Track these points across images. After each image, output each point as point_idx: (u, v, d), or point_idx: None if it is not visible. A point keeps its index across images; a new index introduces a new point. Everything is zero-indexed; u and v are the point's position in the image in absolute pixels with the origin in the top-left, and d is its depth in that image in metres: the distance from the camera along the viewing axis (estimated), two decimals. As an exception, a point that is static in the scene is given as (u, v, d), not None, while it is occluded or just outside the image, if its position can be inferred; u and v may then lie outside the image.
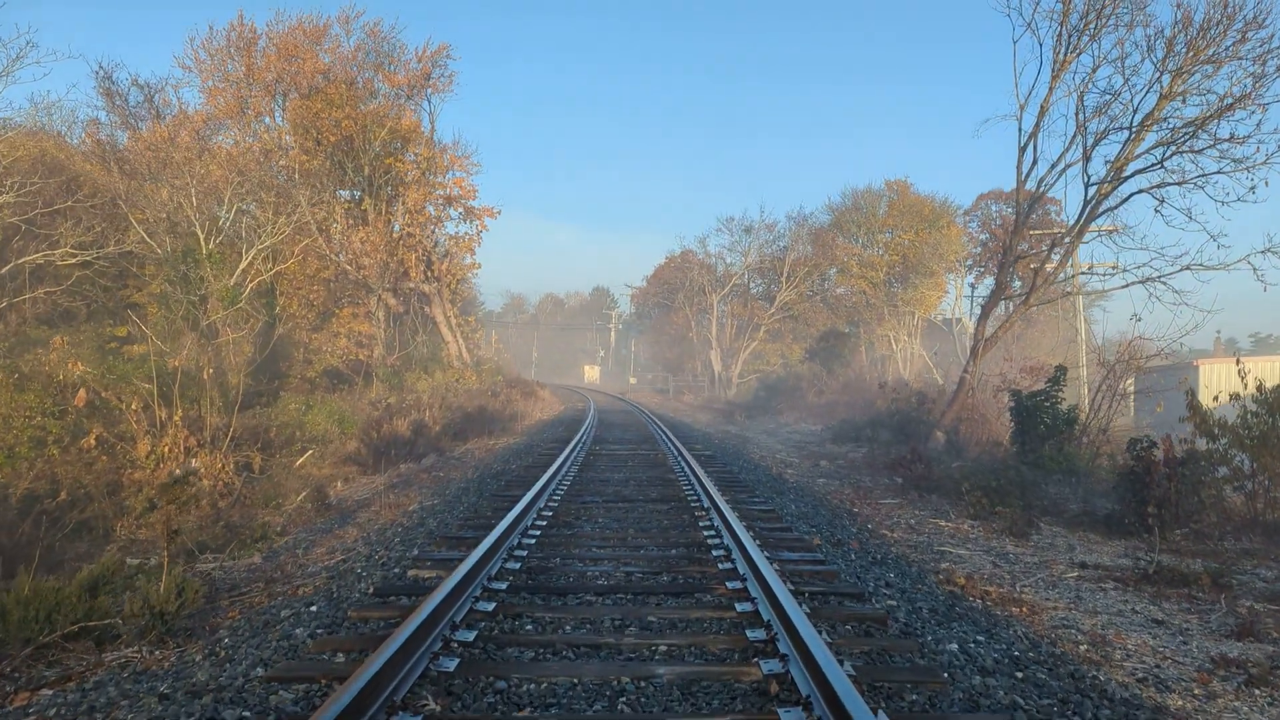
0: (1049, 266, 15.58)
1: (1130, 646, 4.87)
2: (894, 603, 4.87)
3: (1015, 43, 14.72)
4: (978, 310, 29.08)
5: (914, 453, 12.25)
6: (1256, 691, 4.21)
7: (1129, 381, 14.57)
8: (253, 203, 22.80)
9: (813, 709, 3.06)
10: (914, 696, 3.36)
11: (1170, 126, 13.20)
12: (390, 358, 26.58)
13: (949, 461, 13.01)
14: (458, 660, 3.58)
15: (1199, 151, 12.85)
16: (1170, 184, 13.26)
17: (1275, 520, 8.31)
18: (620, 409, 29.91)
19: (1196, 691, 4.18)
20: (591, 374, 72.00)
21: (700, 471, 9.52)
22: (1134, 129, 13.44)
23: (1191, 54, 12.63)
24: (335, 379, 23.96)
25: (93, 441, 11.98)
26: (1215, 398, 9.98)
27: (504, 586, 4.85)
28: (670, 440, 14.60)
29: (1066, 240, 15.29)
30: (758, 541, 6.08)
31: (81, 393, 12.93)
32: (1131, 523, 8.46)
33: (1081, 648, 4.70)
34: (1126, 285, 14.27)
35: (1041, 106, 14.39)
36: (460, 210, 31.10)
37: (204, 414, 12.29)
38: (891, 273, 39.53)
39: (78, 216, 18.99)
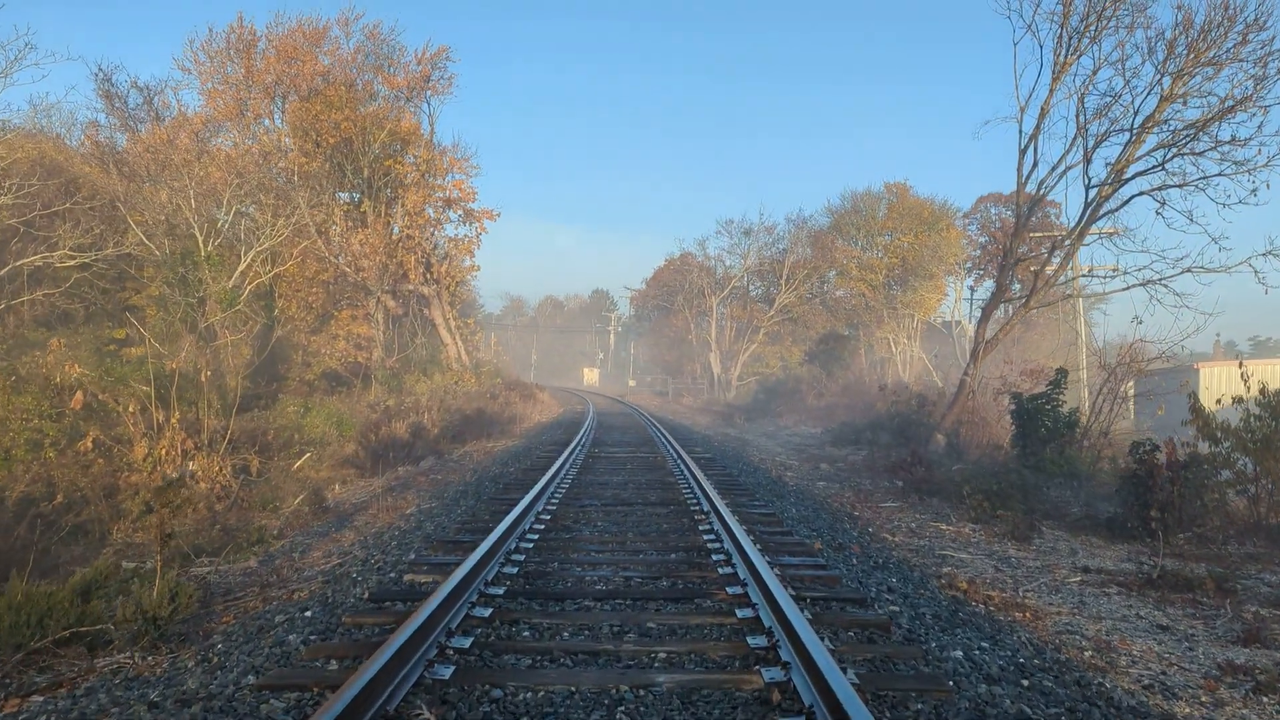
0: (1049, 269, 15.53)
1: (1135, 653, 4.81)
2: (896, 608, 4.81)
3: (1015, 45, 14.66)
4: (977, 313, 29.05)
5: (914, 456, 12.20)
6: (1265, 699, 4.15)
7: (1129, 384, 14.51)
8: (251, 205, 22.75)
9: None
10: (919, 706, 3.29)
11: (1171, 129, 13.18)
12: (389, 360, 26.52)
13: (949, 464, 12.96)
14: (453, 668, 3.51)
15: (1200, 154, 12.83)
16: (1171, 186, 13.24)
17: (1279, 524, 8.25)
18: (619, 411, 29.85)
19: (1204, 699, 4.12)
20: (591, 376, 71.91)
21: (699, 474, 9.46)
22: (1135, 131, 13.42)
23: (1192, 56, 12.60)
24: (334, 381, 23.89)
25: (89, 444, 11.92)
26: (1218, 400, 9.93)
27: (501, 592, 4.79)
28: (669, 443, 14.54)
29: (1067, 243, 15.25)
30: (758, 546, 6.01)
31: (78, 395, 12.88)
32: (1134, 526, 8.40)
33: (1086, 654, 4.64)
34: (1128, 288, 14.24)
35: (1042, 108, 14.37)
36: (459, 212, 31.08)
37: (202, 416, 12.23)
38: (891, 275, 39.51)
39: (76, 218, 18.93)
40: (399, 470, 13.65)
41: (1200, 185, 12.90)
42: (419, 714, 3.08)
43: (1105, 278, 16.20)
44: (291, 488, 12.42)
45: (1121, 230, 14.63)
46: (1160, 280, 13.66)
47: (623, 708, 3.24)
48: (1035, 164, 14.74)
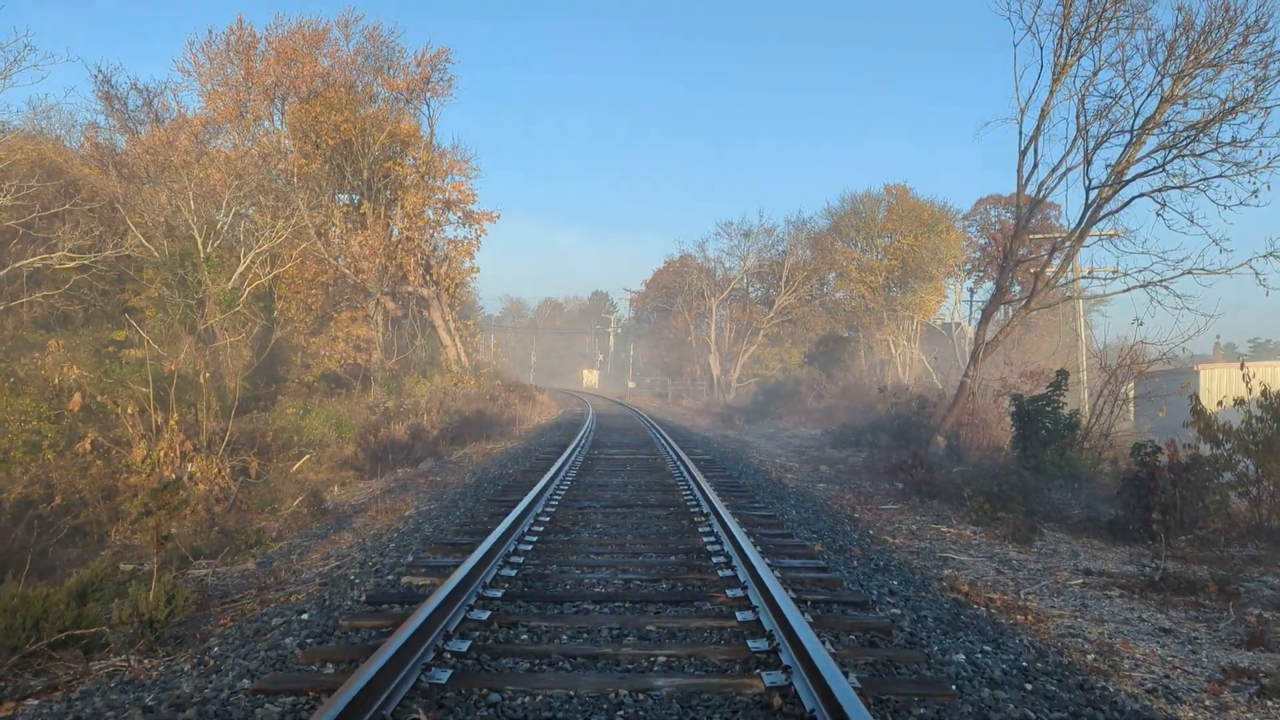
0: (1049, 271, 15.51)
1: (1139, 656, 4.78)
2: (898, 611, 4.77)
3: (1016, 46, 14.63)
4: (977, 315, 29.02)
5: (914, 458, 12.16)
6: (1269, 703, 4.12)
7: (1129, 386, 14.48)
8: (251, 206, 22.73)
9: (817, 723, 2.96)
10: (922, 710, 3.26)
11: (1171, 130, 13.16)
12: (388, 362, 26.48)
13: (949, 466, 12.92)
14: (450, 671, 3.47)
15: (1200, 155, 12.80)
16: (1172, 187, 13.21)
17: (1281, 526, 8.22)
18: (618, 413, 29.82)
19: (1208, 703, 4.09)
20: (590, 378, 71.88)
21: (699, 476, 9.43)
22: (1135, 132, 13.40)
23: (1193, 57, 12.59)
24: (333, 383, 23.86)
25: (88, 446, 11.89)
26: (1220, 402, 9.90)
27: (499, 594, 4.75)
28: (669, 444, 14.51)
29: (1067, 244, 15.23)
30: (758, 548, 5.98)
31: (77, 397, 12.85)
32: (1136, 529, 8.37)
33: (1089, 657, 4.61)
34: (1128, 289, 14.22)
35: (1042, 110, 14.35)
36: (459, 214, 31.07)
37: (201, 418, 12.20)
38: (890, 277, 39.50)
39: (75, 220, 18.91)
40: (398, 472, 13.62)
41: (1201, 187, 12.88)
42: (416, 718, 3.05)
43: (1105, 279, 16.19)
44: (290, 489, 12.39)
45: (1122, 232, 14.61)
46: (1161, 282, 13.65)
47: (622, 712, 3.21)
48: (1035, 165, 14.73)
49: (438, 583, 4.80)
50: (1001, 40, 19.68)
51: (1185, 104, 12.98)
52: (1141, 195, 13.71)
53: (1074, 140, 14.15)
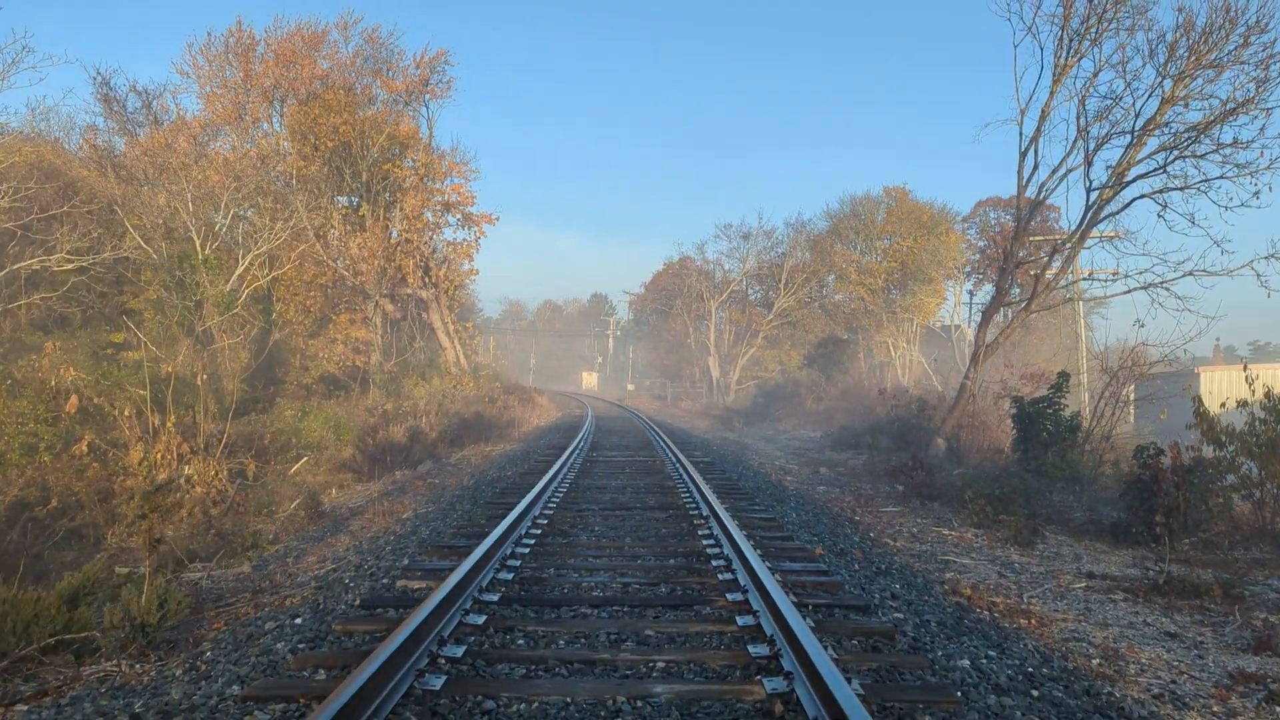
0: (1050, 273, 15.46)
1: (1144, 660, 4.72)
2: (901, 615, 4.70)
3: (1016, 47, 14.58)
4: (976, 317, 28.99)
5: (915, 460, 12.10)
6: (1278, 709, 4.05)
7: (1130, 388, 14.43)
8: (250, 208, 22.68)
9: (819, 731, 2.89)
10: (927, 718, 3.19)
11: (1172, 131, 13.11)
12: (387, 364, 26.42)
13: (950, 469, 12.86)
14: (444, 678, 3.40)
15: (1202, 156, 12.75)
16: (1173, 189, 13.16)
17: (1285, 529, 8.16)
18: (618, 415, 29.75)
19: (1215, 709, 4.02)
20: (589, 380, 71.81)
21: (699, 478, 9.36)
22: (1136, 134, 13.35)
23: (1193, 58, 12.55)
24: (332, 385, 23.80)
25: (84, 448, 11.82)
26: (1223, 404, 9.85)
27: (495, 598, 4.68)
28: (668, 447, 14.45)
29: (1068, 246, 15.18)
30: (758, 551, 5.91)
31: (73, 399, 12.79)
32: (1139, 532, 8.31)
33: (1094, 662, 4.55)
34: (1129, 291, 14.16)
35: (1042, 111, 14.30)
36: (458, 216, 31.02)
37: (198, 420, 12.14)
38: (890, 279, 39.44)
39: (74, 222, 18.86)
40: (396, 474, 13.55)
41: (1202, 188, 12.83)
42: (409, 726, 2.98)
43: (1106, 281, 16.13)
44: (288, 492, 12.32)
45: (1122, 233, 14.57)
46: (1162, 283, 13.59)
47: (619, 719, 3.14)
48: (1036, 167, 14.68)
49: (433, 586, 4.73)
50: (1001, 41, 19.65)
51: (1186, 105, 12.95)
52: (1142, 197, 13.67)
53: (1074, 141, 14.12)
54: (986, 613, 5.34)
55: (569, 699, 3.29)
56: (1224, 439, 8.90)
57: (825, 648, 3.62)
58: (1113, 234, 14.95)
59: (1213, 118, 12.50)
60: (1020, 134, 14.57)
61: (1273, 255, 12.77)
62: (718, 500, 7.81)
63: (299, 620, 4.59)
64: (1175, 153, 13.03)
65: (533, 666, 3.64)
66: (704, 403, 41.81)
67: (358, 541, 7.67)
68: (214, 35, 27.70)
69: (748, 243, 44.19)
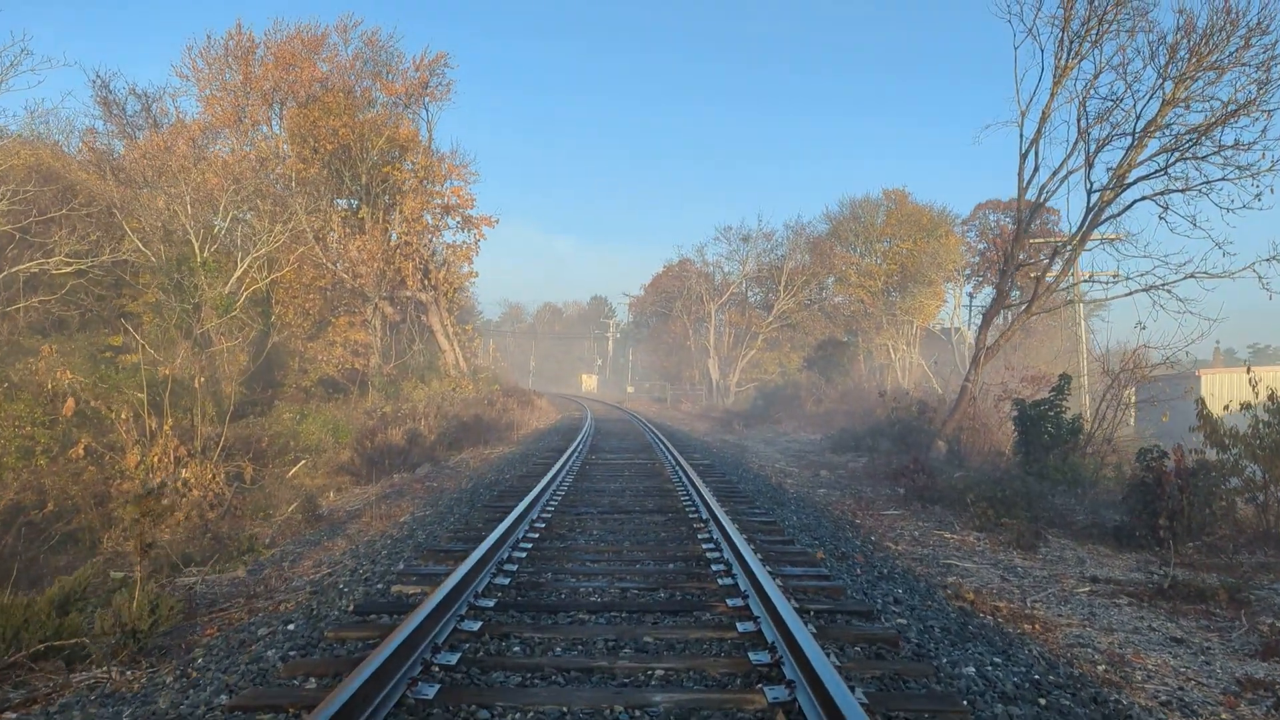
0: (1050, 275, 15.41)
1: (1150, 667, 4.65)
2: (904, 621, 4.63)
3: (1016, 49, 14.55)
4: (977, 319, 28.95)
5: (916, 463, 12.02)
6: (1289, 717, 3.98)
7: (1130, 391, 14.36)
8: (249, 211, 22.64)
9: (822, 741, 2.82)
10: (931, 727, 3.12)
11: (1174, 133, 13.08)
12: (386, 366, 26.35)
13: (951, 471, 12.80)
14: (438, 686, 3.33)
15: (1203, 158, 12.71)
16: (1174, 191, 13.12)
17: (1290, 532, 8.09)
18: (617, 418, 29.67)
19: (1224, 716, 3.96)
20: (589, 383, 71.75)
21: (698, 481, 9.29)
22: (1137, 135, 13.31)
23: (1194, 60, 12.51)
24: (331, 388, 23.72)
25: (81, 451, 11.76)
26: (1226, 407, 9.79)
27: (491, 604, 4.61)
28: (667, 449, 14.38)
29: (1068, 248, 15.12)
30: (759, 555, 5.84)
31: (70, 402, 12.73)
32: (1142, 535, 8.24)
33: (1100, 668, 4.48)
34: (1130, 293, 14.11)
35: (1043, 113, 14.26)
36: (458, 219, 30.99)
37: (196, 423, 12.08)
38: (890, 282, 39.39)
39: (73, 225, 18.83)
40: (394, 477, 13.48)
41: (1203, 190, 12.80)
42: (401, 736, 2.91)
43: (1107, 283, 16.06)
44: (285, 495, 12.26)
45: (1123, 235, 14.52)
46: (1163, 285, 13.54)
47: (617, 729, 3.07)
48: (1036, 169, 14.64)
49: (428, 592, 4.66)
50: (1002, 43, 19.60)
51: (1187, 107, 12.90)
52: (1143, 198, 13.63)
53: (1075, 143, 14.08)
54: (990, 618, 5.27)
55: (565, 708, 3.21)
56: (1227, 441, 8.84)
57: (828, 655, 3.54)
58: (1114, 236, 14.91)
59: (1214, 119, 12.46)
60: (1021, 136, 14.54)
61: (1274, 257, 12.73)
62: (717, 503, 7.74)
63: (292, 626, 4.52)
64: (1176, 155, 13.00)
65: (528, 674, 3.56)
66: (704, 405, 41.73)
67: (354, 545, 7.59)
68: (214, 38, 27.72)
69: (747, 245, 44.20)
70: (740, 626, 4.20)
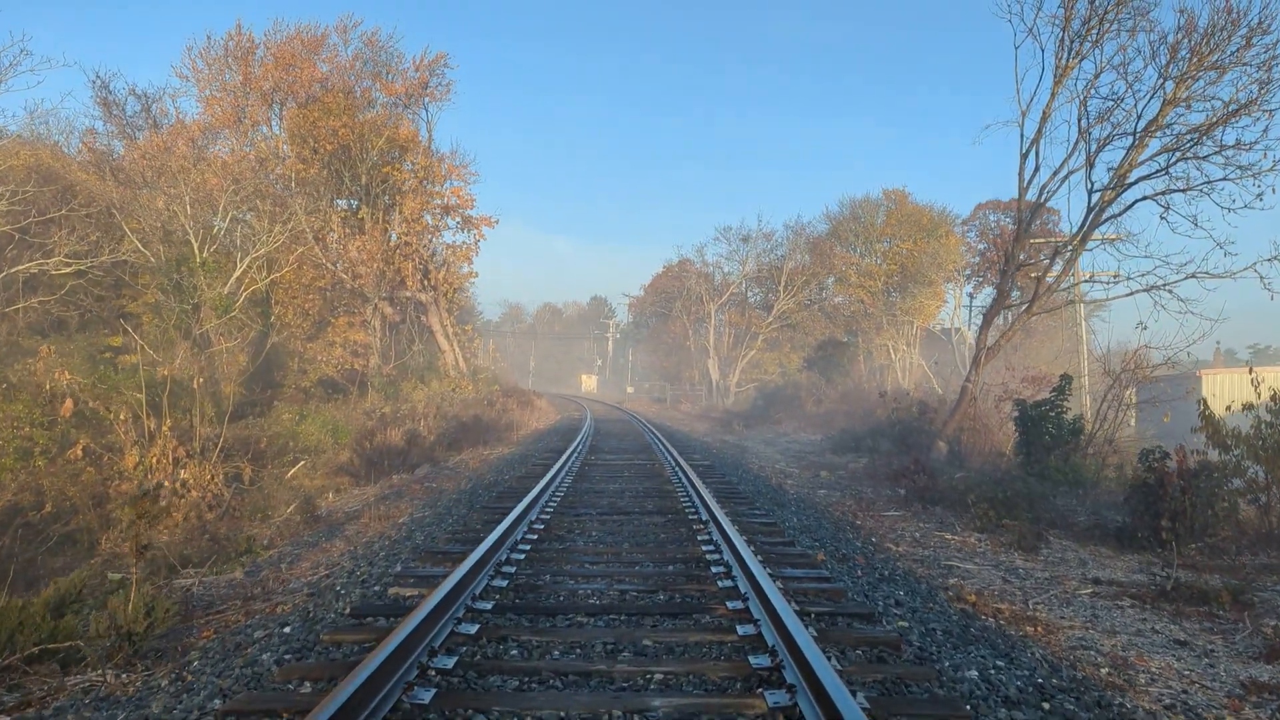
0: (1051, 275, 15.37)
1: (1154, 670, 4.61)
2: (906, 624, 4.59)
3: (1017, 48, 14.52)
4: (977, 320, 28.90)
5: (916, 463, 11.98)
6: (1294, 720, 3.94)
7: (1131, 391, 14.33)
8: (248, 211, 22.61)
9: (822, 746, 2.78)
10: (933, 732, 3.08)
11: (1175, 133, 13.05)
12: (386, 367, 26.32)
13: (951, 472, 12.76)
14: (434, 691, 3.28)
15: (1204, 158, 12.68)
16: (1175, 191, 13.09)
17: (1293, 534, 8.05)
18: (617, 418, 29.63)
19: (1229, 720, 3.92)
20: (589, 383, 71.71)
21: (698, 482, 9.25)
22: (1138, 135, 13.28)
23: (1195, 60, 12.48)
24: (330, 388, 23.68)
25: (79, 452, 11.73)
26: (1228, 407, 9.75)
27: (489, 606, 4.56)
28: (667, 450, 14.33)
29: (1069, 248, 15.09)
30: (759, 557, 5.80)
31: (68, 402, 12.70)
32: (1144, 536, 8.20)
33: (1103, 671, 4.44)
34: (1131, 293, 14.08)
35: (1044, 113, 14.23)
36: (458, 219, 30.96)
37: (195, 424, 12.05)
38: (890, 282, 39.35)
39: (72, 225, 18.80)
40: (393, 478, 13.45)
41: (1204, 190, 12.77)
42: (397, 741, 2.88)
43: (1108, 283, 16.02)
44: (284, 496, 12.22)
45: (1124, 235, 14.49)
46: (1164, 286, 13.51)
47: (616, 734, 3.03)
48: (1037, 169, 14.61)
49: (425, 594, 4.61)
50: (1002, 43, 19.58)
51: (1188, 107, 12.87)
52: (1144, 198, 13.59)
53: (1076, 143, 14.05)
54: (992, 620, 5.23)
55: (563, 713, 3.17)
56: (1230, 442, 8.80)
57: (829, 658, 3.50)
58: (1114, 236, 14.87)
59: (1215, 119, 12.43)
60: (1021, 136, 14.51)
61: (1276, 257, 12.69)
62: (717, 504, 7.70)
63: (288, 629, 4.48)
64: (1177, 154, 12.97)
65: (526, 678, 3.52)
66: (703, 405, 41.69)
67: (352, 547, 7.56)
68: (213, 39, 27.69)
69: (747, 245, 44.17)
70: (740, 629, 4.16)
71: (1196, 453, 8.82)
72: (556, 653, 3.88)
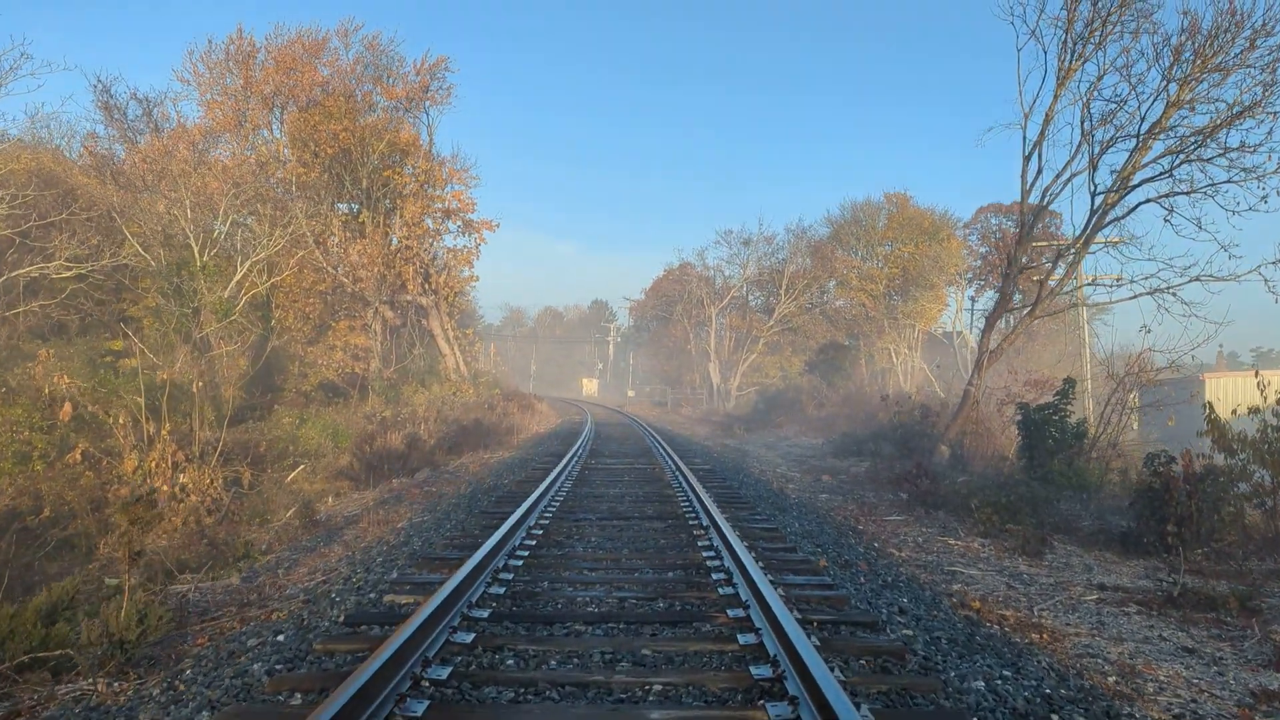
0: (1053, 279, 15.30)
1: (1162, 678, 4.52)
2: (910, 632, 4.51)
3: (1019, 50, 14.45)
4: (979, 323, 28.82)
5: (919, 467, 11.90)
6: (1306, 731, 3.86)
7: (1134, 395, 14.24)
8: (249, 215, 22.60)
9: (825, 761, 2.71)
10: (939, 746, 3.00)
11: (1178, 135, 12.96)
12: (387, 371, 26.28)
13: (954, 476, 12.67)
14: (427, 703, 3.21)
15: (1208, 160, 12.60)
16: (1179, 193, 13.00)
17: (1300, 539, 7.96)
18: (618, 422, 29.56)
19: (1240, 731, 3.83)
20: (590, 387, 71.67)
21: (699, 487, 9.18)
22: (1141, 137, 13.20)
23: (1199, 62, 12.41)
24: (331, 392, 23.64)
25: (78, 456, 11.68)
26: (1234, 411, 9.66)
27: (485, 615, 4.49)
28: (668, 454, 14.26)
29: (1072, 251, 15.01)
30: (760, 563, 5.72)
31: (66, 406, 12.65)
32: (1150, 541, 8.11)
33: (1111, 679, 4.36)
34: (1135, 296, 13.98)
35: (1046, 115, 14.16)
36: (458, 223, 30.94)
37: (194, 428, 12.00)
38: (891, 285, 39.28)
39: (73, 229, 18.78)
40: (393, 482, 13.38)
41: (1208, 192, 12.67)
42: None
43: (1111, 287, 15.92)
44: (283, 500, 12.15)
45: (1128, 238, 14.40)
46: (1168, 289, 13.40)
47: (613, 747, 2.95)
48: (1039, 171, 14.53)
49: (421, 601, 4.54)
50: (1004, 45, 19.55)
51: (1192, 109, 12.80)
52: (1148, 201, 13.50)
53: (1079, 145, 13.97)
54: (997, 627, 5.15)
55: (559, 725, 3.10)
56: (1235, 446, 8.71)
57: (832, 669, 3.43)
58: (1117, 239, 14.79)
59: (1219, 121, 12.35)
60: (1024, 138, 14.45)
61: (1280, 260, 12.59)
62: (718, 509, 7.62)
63: (281, 637, 4.41)
64: (1181, 157, 12.88)
65: (522, 690, 3.45)
66: (704, 409, 41.62)
67: (350, 552, 7.49)
68: (215, 42, 27.71)
69: (748, 249, 44.14)
70: (741, 639, 4.08)
71: (1201, 457, 8.73)
72: (553, 663, 3.80)
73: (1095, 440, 12.54)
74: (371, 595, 5.13)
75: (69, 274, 18.38)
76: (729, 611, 4.58)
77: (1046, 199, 14.70)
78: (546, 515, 7.95)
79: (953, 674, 3.83)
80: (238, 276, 20.55)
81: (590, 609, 4.73)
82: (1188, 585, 6.47)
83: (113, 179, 22.08)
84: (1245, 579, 7.02)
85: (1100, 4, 13.30)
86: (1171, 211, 13.14)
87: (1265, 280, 12.62)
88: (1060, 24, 13.75)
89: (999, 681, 3.80)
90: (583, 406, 43.10)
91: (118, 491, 11.04)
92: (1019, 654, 4.46)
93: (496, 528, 6.58)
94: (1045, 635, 5.16)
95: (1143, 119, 13.17)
